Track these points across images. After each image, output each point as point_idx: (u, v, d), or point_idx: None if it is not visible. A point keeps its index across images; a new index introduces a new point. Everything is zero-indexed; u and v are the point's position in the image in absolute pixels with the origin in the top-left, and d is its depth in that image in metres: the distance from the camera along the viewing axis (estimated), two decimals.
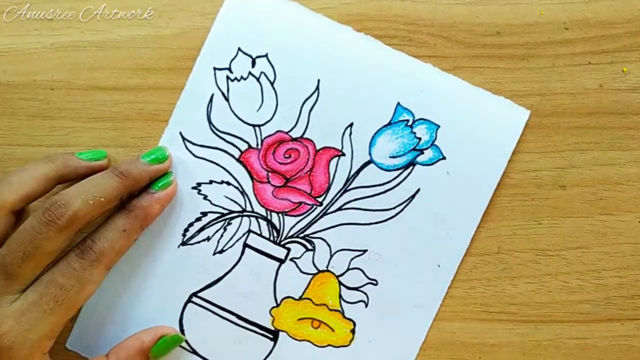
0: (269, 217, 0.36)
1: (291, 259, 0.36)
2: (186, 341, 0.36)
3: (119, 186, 0.33)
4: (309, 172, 0.36)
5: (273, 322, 0.36)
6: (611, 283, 0.36)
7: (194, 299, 0.36)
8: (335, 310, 0.36)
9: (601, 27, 0.36)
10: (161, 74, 0.36)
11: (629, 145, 0.36)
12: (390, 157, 0.36)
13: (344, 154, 0.36)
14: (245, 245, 0.36)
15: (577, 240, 0.36)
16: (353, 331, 0.36)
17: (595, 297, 0.36)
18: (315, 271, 0.36)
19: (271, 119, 0.36)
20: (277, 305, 0.36)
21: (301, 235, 0.36)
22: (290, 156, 0.36)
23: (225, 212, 0.36)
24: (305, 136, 0.36)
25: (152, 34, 0.36)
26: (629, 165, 0.36)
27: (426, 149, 0.36)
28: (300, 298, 0.36)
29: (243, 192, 0.36)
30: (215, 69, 0.36)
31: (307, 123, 0.36)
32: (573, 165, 0.36)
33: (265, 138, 0.36)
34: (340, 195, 0.36)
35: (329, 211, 0.36)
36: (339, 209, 0.36)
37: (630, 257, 0.36)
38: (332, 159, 0.36)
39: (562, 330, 0.36)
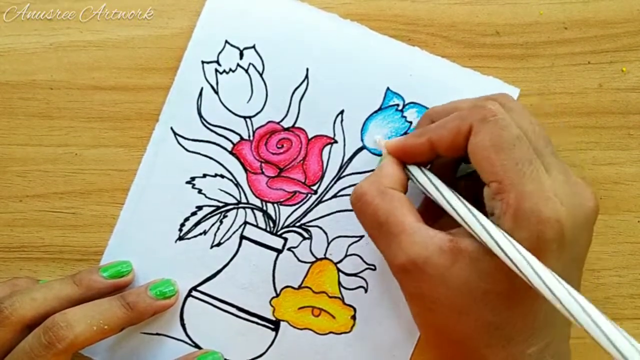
0: (264, 208, 0.36)
1: (289, 249, 0.36)
2: (188, 335, 0.36)
3: (124, 317, 0.33)
4: (302, 161, 0.36)
5: (274, 312, 0.36)
6: (610, 282, 0.36)
7: (194, 293, 0.36)
8: (335, 297, 0.36)
9: (600, 26, 0.36)
10: (161, 74, 0.36)
11: (629, 144, 0.36)
12: None
13: (336, 142, 0.36)
14: (242, 237, 0.36)
15: None
16: (354, 317, 0.36)
17: (594, 297, 0.36)
18: (313, 259, 0.36)
19: (262, 109, 0.36)
20: (277, 296, 0.36)
21: (297, 224, 0.36)
22: (282, 146, 0.36)
23: (221, 205, 0.36)
24: (296, 125, 0.36)
25: (151, 34, 0.36)
26: (628, 164, 0.36)
27: None
28: (300, 287, 0.36)
29: (237, 184, 0.36)
30: (203, 62, 0.36)
31: (298, 112, 0.36)
32: (573, 165, 0.36)
33: (256, 129, 0.36)
34: (335, 183, 0.36)
35: (324, 199, 0.36)
36: (334, 196, 0.36)
37: (629, 256, 0.36)
38: (324, 146, 0.36)
39: None
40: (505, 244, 0.26)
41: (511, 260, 0.25)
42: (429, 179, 0.30)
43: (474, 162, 0.28)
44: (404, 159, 0.31)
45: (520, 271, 0.25)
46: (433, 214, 0.31)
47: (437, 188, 0.29)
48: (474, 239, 0.27)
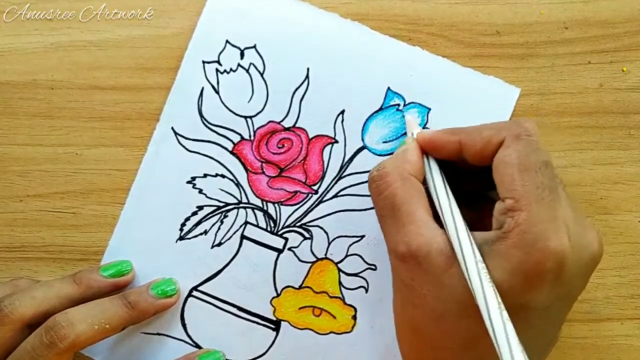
0: (265, 208, 0.36)
1: (289, 249, 0.36)
2: (189, 335, 0.36)
3: (125, 316, 0.33)
4: (302, 161, 0.36)
5: (274, 312, 0.36)
6: (611, 282, 0.36)
7: (195, 293, 0.36)
8: (336, 297, 0.36)
9: (601, 26, 0.36)
10: (161, 74, 0.36)
11: (629, 144, 0.36)
12: (383, 142, 0.36)
13: (337, 141, 0.36)
14: (243, 237, 0.36)
15: None
16: (354, 317, 0.36)
17: (594, 297, 0.36)
18: (314, 259, 0.36)
19: (262, 109, 0.36)
20: (278, 295, 0.36)
21: (298, 224, 0.36)
22: (283, 146, 0.36)
23: (221, 204, 0.36)
24: (297, 125, 0.36)
25: (152, 33, 0.36)
26: (629, 164, 0.36)
27: None
28: (301, 287, 0.36)
29: (238, 184, 0.36)
30: (204, 62, 0.36)
31: (299, 112, 0.36)
32: (573, 165, 0.36)
33: (257, 129, 0.36)
34: (335, 183, 0.36)
35: (324, 199, 0.36)
36: (335, 196, 0.36)
37: (630, 256, 0.36)
38: (325, 146, 0.36)
39: (562, 329, 0.36)
40: (491, 302, 0.25)
41: (491, 321, 0.25)
42: (445, 187, 0.30)
43: (496, 175, 0.28)
44: (429, 151, 0.31)
45: (494, 335, 0.25)
46: None
47: (449, 203, 0.29)
48: None
